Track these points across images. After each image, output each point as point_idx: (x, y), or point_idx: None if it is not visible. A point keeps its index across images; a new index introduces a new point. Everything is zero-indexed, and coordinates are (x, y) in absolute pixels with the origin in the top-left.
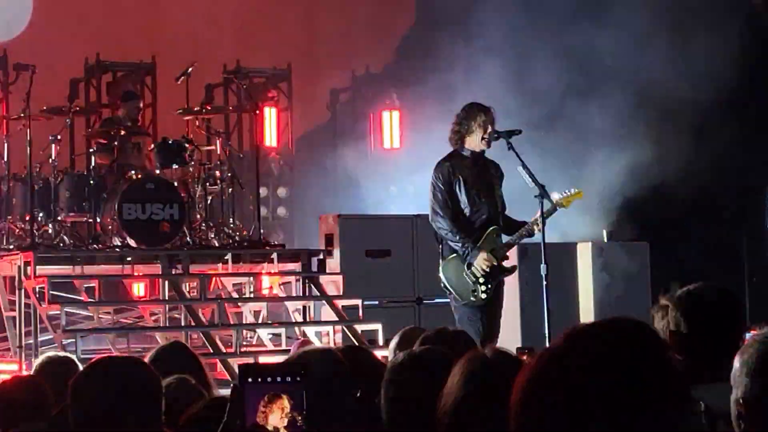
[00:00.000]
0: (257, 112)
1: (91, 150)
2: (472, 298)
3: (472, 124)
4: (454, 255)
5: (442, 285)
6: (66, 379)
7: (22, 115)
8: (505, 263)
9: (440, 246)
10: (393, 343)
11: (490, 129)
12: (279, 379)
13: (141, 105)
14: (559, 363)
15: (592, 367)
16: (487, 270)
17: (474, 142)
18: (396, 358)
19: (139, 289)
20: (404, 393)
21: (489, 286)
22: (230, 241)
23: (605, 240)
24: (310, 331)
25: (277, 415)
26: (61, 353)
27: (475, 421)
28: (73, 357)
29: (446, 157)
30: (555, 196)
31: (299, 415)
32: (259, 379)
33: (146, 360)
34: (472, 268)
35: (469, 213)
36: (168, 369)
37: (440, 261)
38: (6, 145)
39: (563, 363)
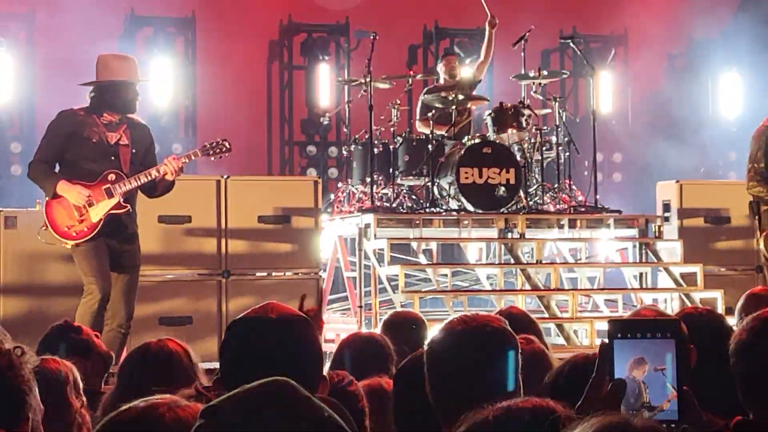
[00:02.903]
0: (593, 77)
1: (428, 115)
2: None
3: None
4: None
5: (763, 260)
6: (411, 335)
7: (363, 80)
8: None
9: (756, 218)
10: (738, 306)
11: None
12: (649, 335)
13: (455, 63)
14: None
15: None
16: None
17: None
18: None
19: (475, 252)
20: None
21: None
22: (566, 206)
23: None
24: (647, 297)
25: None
26: (410, 310)
27: None
28: (421, 315)
29: None
30: None
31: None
32: (629, 335)
33: None
34: None
35: None
36: None
37: (757, 235)
38: (348, 110)
39: None
